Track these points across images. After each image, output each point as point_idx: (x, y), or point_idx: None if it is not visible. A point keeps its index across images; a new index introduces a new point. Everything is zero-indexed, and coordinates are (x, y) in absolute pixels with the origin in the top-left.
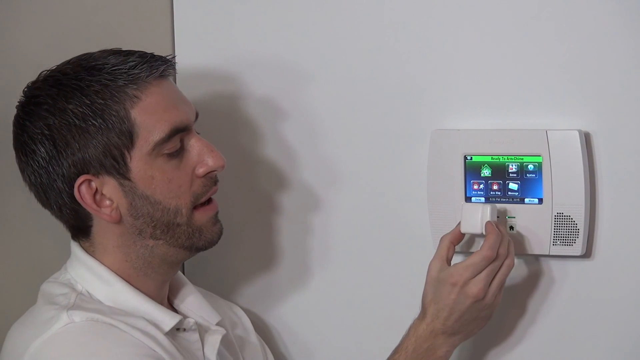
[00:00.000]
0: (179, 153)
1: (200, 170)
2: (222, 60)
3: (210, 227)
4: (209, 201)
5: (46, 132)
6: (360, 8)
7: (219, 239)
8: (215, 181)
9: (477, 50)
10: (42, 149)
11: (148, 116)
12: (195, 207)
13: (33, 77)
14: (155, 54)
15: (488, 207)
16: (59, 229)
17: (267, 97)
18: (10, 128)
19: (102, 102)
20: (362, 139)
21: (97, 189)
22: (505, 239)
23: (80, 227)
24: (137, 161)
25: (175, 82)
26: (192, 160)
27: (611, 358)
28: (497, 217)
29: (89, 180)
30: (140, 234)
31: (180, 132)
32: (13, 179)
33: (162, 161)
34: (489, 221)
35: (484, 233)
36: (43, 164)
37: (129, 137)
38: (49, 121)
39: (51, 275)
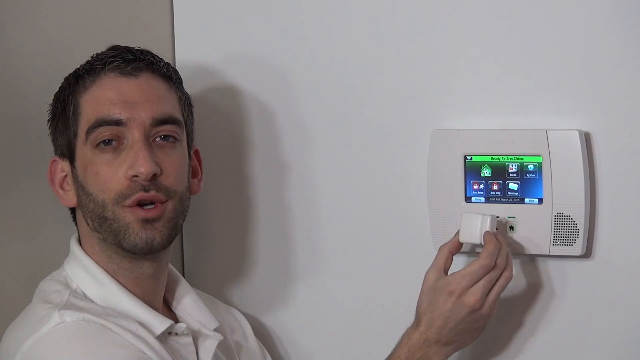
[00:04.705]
0: (115, 149)
1: (129, 172)
2: (222, 59)
3: (137, 229)
4: (141, 205)
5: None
6: (360, 8)
7: (148, 248)
8: (144, 188)
9: (477, 50)
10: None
11: (89, 106)
12: (125, 205)
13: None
14: (136, 49)
15: (488, 218)
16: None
17: (266, 96)
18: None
19: (67, 89)
20: (362, 139)
21: (65, 172)
22: (504, 250)
23: (71, 211)
24: (79, 149)
25: (173, 82)
26: (126, 161)
27: (611, 358)
28: (497, 228)
29: (57, 162)
30: (89, 225)
31: (106, 125)
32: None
33: (95, 153)
34: (487, 231)
35: (482, 243)
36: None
37: (75, 124)
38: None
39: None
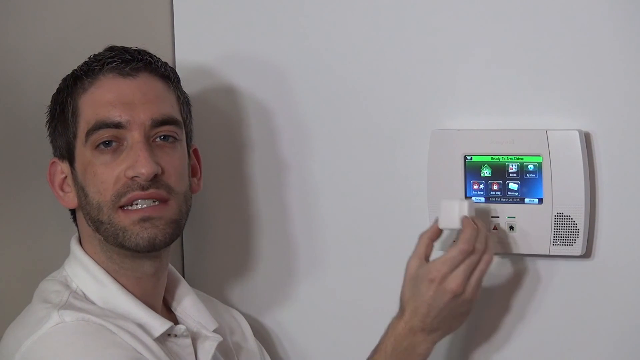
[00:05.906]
0: (115, 151)
1: (128, 172)
2: (222, 59)
3: (136, 230)
4: (134, 205)
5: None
6: (360, 8)
7: (150, 246)
8: (141, 187)
9: (477, 50)
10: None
11: (88, 107)
12: (121, 207)
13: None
14: (133, 49)
15: (465, 203)
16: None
17: (266, 96)
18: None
19: (64, 91)
20: (362, 139)
21: (64, 174)
22: (482, 233)
23: (72, 211)
24: (78, 151)
25: (171, 82)
26: (126, 162)
27: (611, 358)
28: (486, 217)
29: (56, 164)
30: (89, 226)
31: (105, 127)
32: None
33: (94, 155)
34: (465, 216)
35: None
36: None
37: (75, 126)
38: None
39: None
